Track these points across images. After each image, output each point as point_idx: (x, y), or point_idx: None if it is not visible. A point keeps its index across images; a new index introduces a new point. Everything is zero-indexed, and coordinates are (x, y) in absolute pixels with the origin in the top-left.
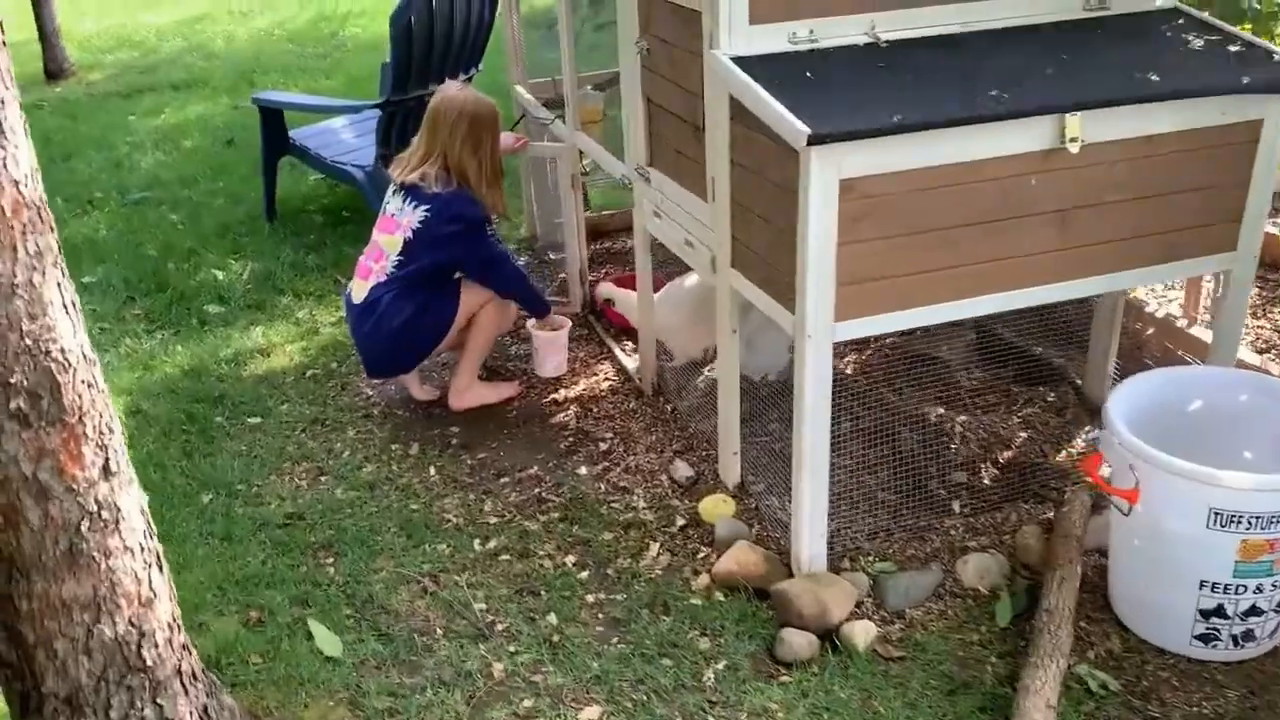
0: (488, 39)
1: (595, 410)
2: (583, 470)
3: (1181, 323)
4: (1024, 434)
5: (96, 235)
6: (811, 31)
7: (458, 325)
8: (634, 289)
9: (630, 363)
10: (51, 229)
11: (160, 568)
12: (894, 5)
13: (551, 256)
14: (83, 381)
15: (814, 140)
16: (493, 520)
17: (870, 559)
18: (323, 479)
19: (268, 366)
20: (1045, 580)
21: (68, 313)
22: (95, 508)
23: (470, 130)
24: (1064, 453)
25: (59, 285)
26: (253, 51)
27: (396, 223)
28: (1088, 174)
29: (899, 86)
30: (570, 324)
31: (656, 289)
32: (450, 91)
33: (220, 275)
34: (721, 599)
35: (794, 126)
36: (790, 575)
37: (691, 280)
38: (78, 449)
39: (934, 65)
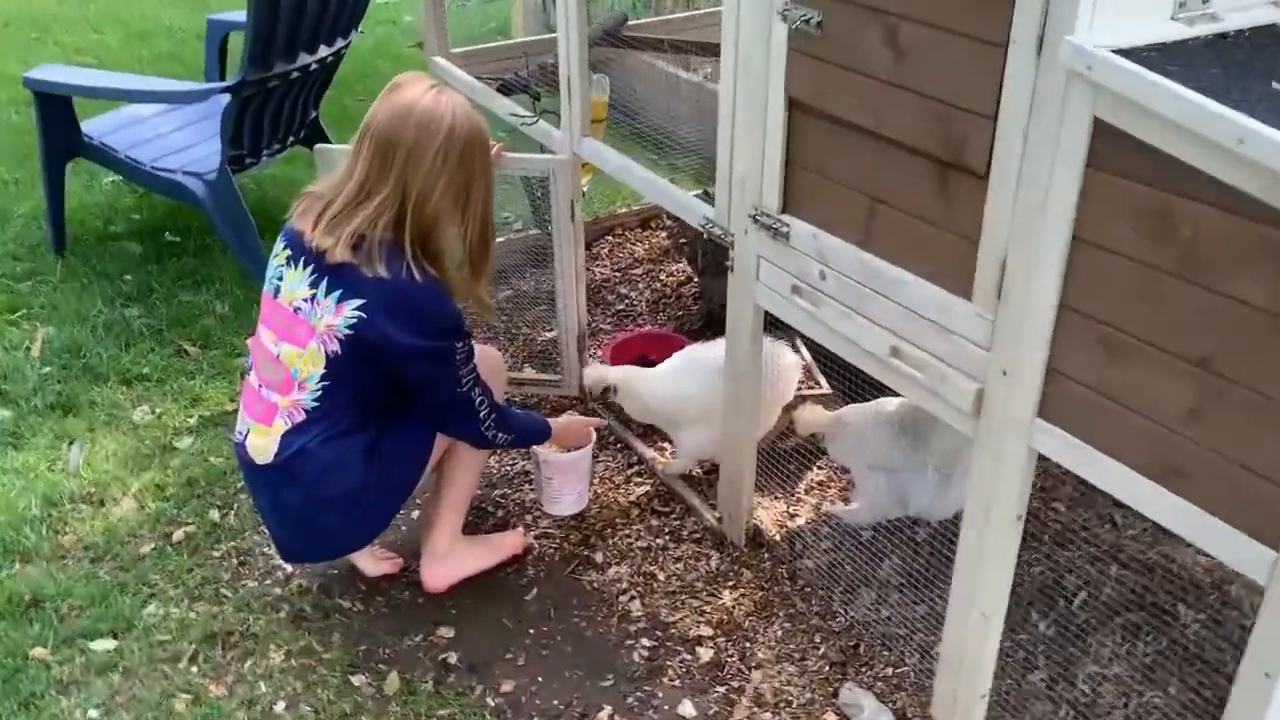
0: None
1: (661, 577)
2: (689, 709)
3: None
4: None
5: None
6: (1205, 1)
7: (433, 462)
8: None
9: (677, 475)
10: None
11: None
12: None
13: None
14: None
15: None
16: None
17: None
18: None
19: (105, 527)
20: None
21: None
22: None
23: (460, 166)
24: None
25: None
26: None
27: (308, 325)
28: None
29: None
30: (595, 437)
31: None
32: (416, 92)
33: None
34: None
35: None
36: None
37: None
38: None
39: None
